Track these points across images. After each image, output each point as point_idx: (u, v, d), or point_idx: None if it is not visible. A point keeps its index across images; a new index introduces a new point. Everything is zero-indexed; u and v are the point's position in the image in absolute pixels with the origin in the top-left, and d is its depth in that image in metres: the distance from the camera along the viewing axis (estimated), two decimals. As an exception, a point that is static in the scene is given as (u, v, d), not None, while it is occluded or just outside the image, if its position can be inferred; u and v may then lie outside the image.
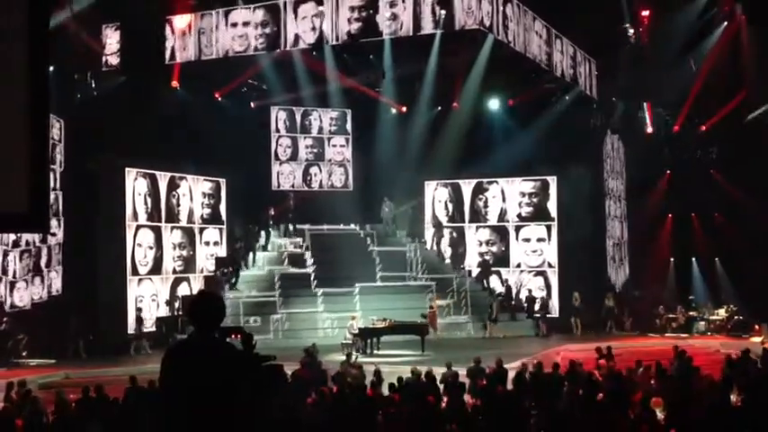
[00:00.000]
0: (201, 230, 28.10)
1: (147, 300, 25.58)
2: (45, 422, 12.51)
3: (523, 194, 30.18)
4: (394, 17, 21.54)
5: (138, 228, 25.43)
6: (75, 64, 23.68)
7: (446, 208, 31.28)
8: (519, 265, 29.99)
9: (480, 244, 30.54)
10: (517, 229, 30.07)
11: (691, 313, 28.43)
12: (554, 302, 29.23)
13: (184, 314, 23.57)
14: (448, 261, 30.46)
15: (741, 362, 16.39)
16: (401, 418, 11.47)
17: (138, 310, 24.60)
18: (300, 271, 27.78)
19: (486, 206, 30.63)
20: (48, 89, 2.96)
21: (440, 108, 30.75)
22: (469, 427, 11.26)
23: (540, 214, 29.86)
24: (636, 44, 29.18)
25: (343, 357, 18.46)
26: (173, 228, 26.85)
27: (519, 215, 30.15)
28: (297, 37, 22.81)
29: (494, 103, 30.69)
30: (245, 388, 4.43)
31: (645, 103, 31.47)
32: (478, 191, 30.70)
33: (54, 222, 23.47)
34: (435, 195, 31.42)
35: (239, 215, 29.44)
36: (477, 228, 30.65)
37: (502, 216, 30.36)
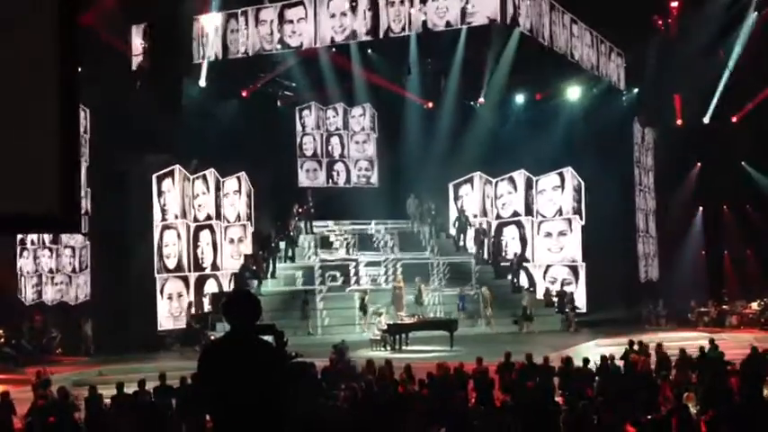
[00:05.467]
0: (240, 228, 28.11)
1: (187, 298, 25.68)
2: (78, 418, 12.65)
3: (554, 188, 29.96)
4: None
5: (170, 227, 25.36)
6: (104, 63, 23.86)
7: (482, 203, 30.87)
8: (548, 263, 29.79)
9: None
10: (542, 223, 29.84)
11: (723, 307, 28.11)
12: (583, 297, 29.04)
13: (217, 312, 23.64)
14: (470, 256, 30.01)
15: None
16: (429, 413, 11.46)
17: (177, 308, 24.73)
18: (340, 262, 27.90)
19: (516, 201, 30.33)
20: (78, 87, 2.98)
21: (466, 103, 30.58)
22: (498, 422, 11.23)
23: (568, 208, 29.66)
24: (665, 35, 28.89)
25: (372, 353, 18.46)
26: (204, 227, 26.79)
27: (548, 209, 29.90)
28: (330, 33, 22.73)
29: (520, 98, 30.51)
30: (279, 385, 4.44)
31: (674, 95, 31.15)
32: (509, 186, 30.44)
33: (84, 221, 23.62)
34: (463, 191, 31.16)
35: (266, 213, 29.44)
36: (509, 223, 30.35)
37: (530, 210, 30.08)
